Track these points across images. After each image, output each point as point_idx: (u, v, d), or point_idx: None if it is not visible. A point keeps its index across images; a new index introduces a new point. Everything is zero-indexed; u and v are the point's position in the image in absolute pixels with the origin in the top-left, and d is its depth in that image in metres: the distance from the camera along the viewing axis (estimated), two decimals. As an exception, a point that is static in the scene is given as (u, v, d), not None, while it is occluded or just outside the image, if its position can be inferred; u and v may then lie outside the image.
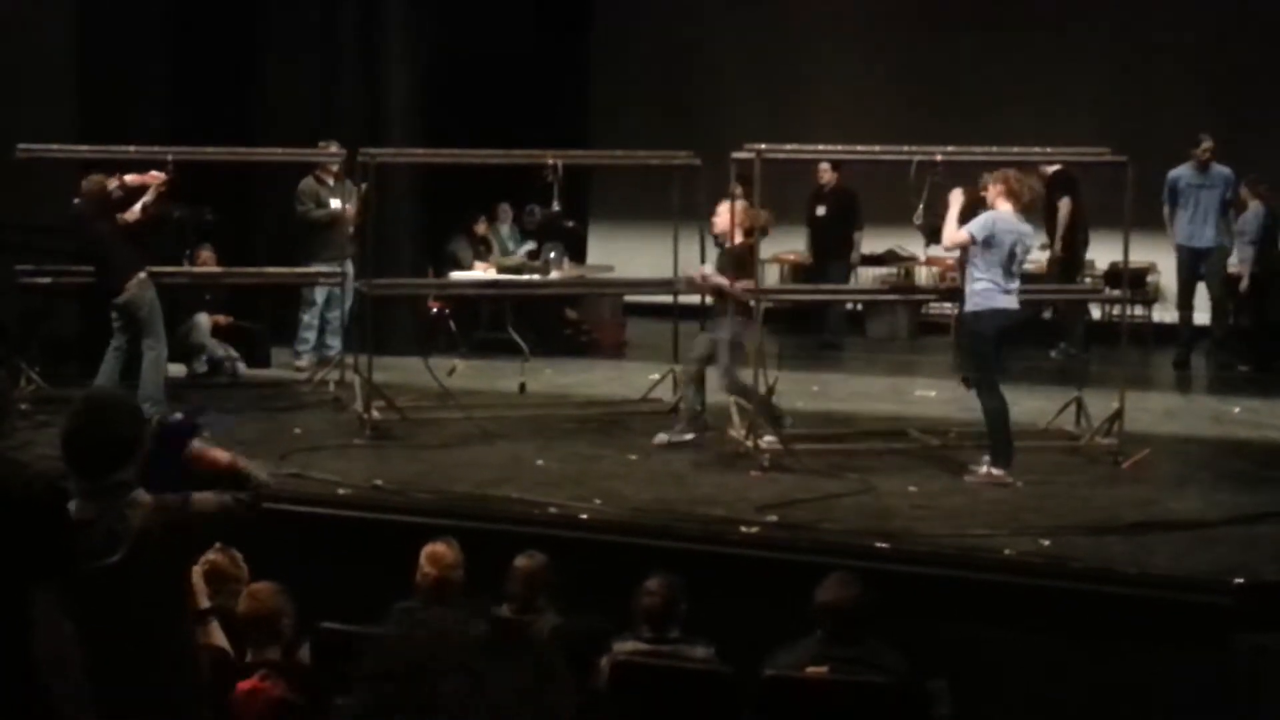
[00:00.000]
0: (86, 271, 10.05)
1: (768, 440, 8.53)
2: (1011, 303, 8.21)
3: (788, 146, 9.30)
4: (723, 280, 8.93)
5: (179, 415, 4.52)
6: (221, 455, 4.30)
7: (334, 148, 11.33)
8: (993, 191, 8.30)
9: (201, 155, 10.40)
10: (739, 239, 8.95)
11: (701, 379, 9.12)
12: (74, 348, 10.97)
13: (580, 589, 6.10)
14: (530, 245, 13.52)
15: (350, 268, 11.25)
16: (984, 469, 8.20)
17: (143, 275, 9.59)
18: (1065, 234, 12.33)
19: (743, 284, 8.89)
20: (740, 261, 8.94)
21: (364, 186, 10.56)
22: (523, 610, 5.92)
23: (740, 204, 9.06)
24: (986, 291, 8.13)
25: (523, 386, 10.47)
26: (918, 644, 5.85)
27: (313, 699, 5.08)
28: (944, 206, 8.47)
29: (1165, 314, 14.46)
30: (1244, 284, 12.43)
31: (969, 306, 8.23)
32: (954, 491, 8.01)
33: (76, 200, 9.68)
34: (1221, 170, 12.22)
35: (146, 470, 4.16)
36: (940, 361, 12.95)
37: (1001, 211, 8.20)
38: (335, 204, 11.47)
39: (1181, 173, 12.25)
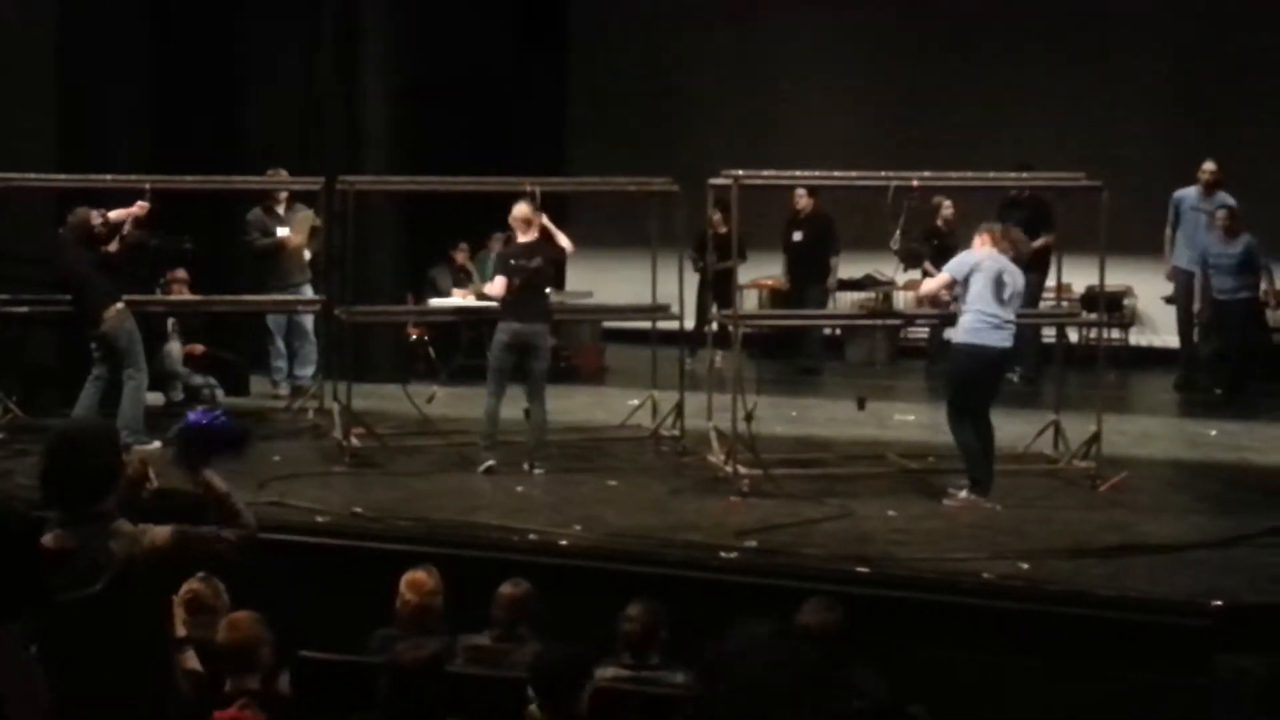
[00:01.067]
0: (65, 300, 10.02)
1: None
2: (1001, 340, 8.20)
3: (765, 173, 9.34)
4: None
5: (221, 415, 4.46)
6: (221, 486, 4.29)
7: (283, 175, 11.39)
8: (977, 242, 8.40)
9: (180, 184, 10.38)
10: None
11: None
12: (52, 376, 10.93)
13: (560, 616, 6.09)
14: None
15: (309, 293, 11.32)
16: (962, 493, 8.23)
17: (120, 305, 9.57)
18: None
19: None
20: None
21: (309, 214, 10.63)
22: (504, 638, 5.91)
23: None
24: (975, 327, 8.15)
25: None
26: (897, 668, 5.85)
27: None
28: (922, 233, 8.54)
29: (1142, 338, 14.55)
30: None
31: (955, 339, 8.27)
32: (933, 516, 8.03)
33: (60, 230, 9.66)
34: (1224, 196, 12.24)
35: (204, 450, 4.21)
36: (919, 386, 12.99)
37: (979, 251, 8.29)
38: (282, 232, 11.51)
39: (1186, 194, 12.30)
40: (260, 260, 11.61)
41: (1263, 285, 12.28)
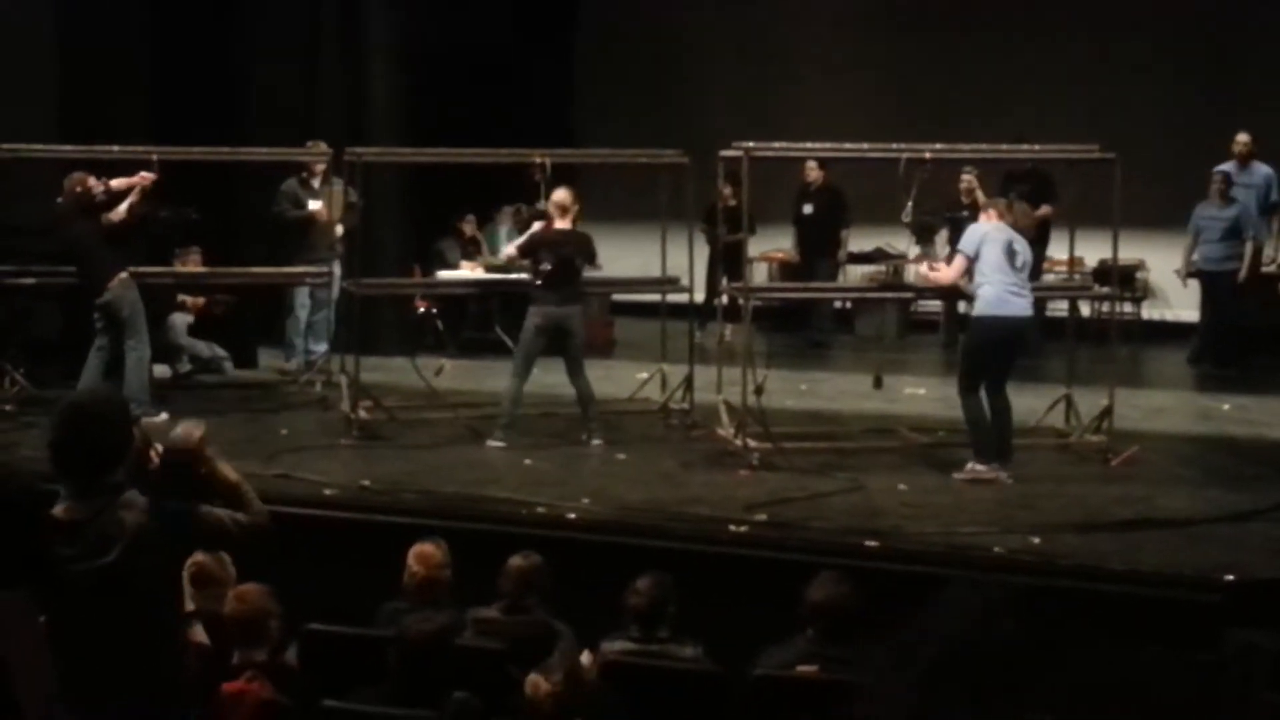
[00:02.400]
0: (69, 272, 10.01)
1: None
2: (1021, 309, 8.21)
3: (776, 145, 9.28)
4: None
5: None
6: (230, 474, 4.26)
7: (321, 147, 11.26)
8: (982, 217, 8.40)
9: (185, 155, 10.34)
10: None
11: None
12: (57, 349, 10.92)
13: (569, 589, 6.06)
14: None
15: (337, 269, 11.20)
16: (969, 465, 8.22)
17: (124, 275, 9.54)
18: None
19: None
20: None
21: (349, 191, 10.51)
22: (511, 610, 5.89)
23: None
24: (995, 297, 8.12)
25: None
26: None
27: (300, 700, 5.05)
28: (943, 205, 8.50)
29: (1154, 311, 14.49)
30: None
31: (974, 311, 8.24)
32: (943, 490, 8.00)
33: (59, 200, 9.62)
34: (1262, 168, 12.13)
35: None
36: (930, 360, 12.94)
37: (984, 223, 8.26)
38: (314, 205, 11.38)
39: (1226, 169, 12.18)
40: (288, 232, 11.49)
41: (1245, 255, 12.10)
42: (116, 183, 9.64)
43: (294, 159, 11.48)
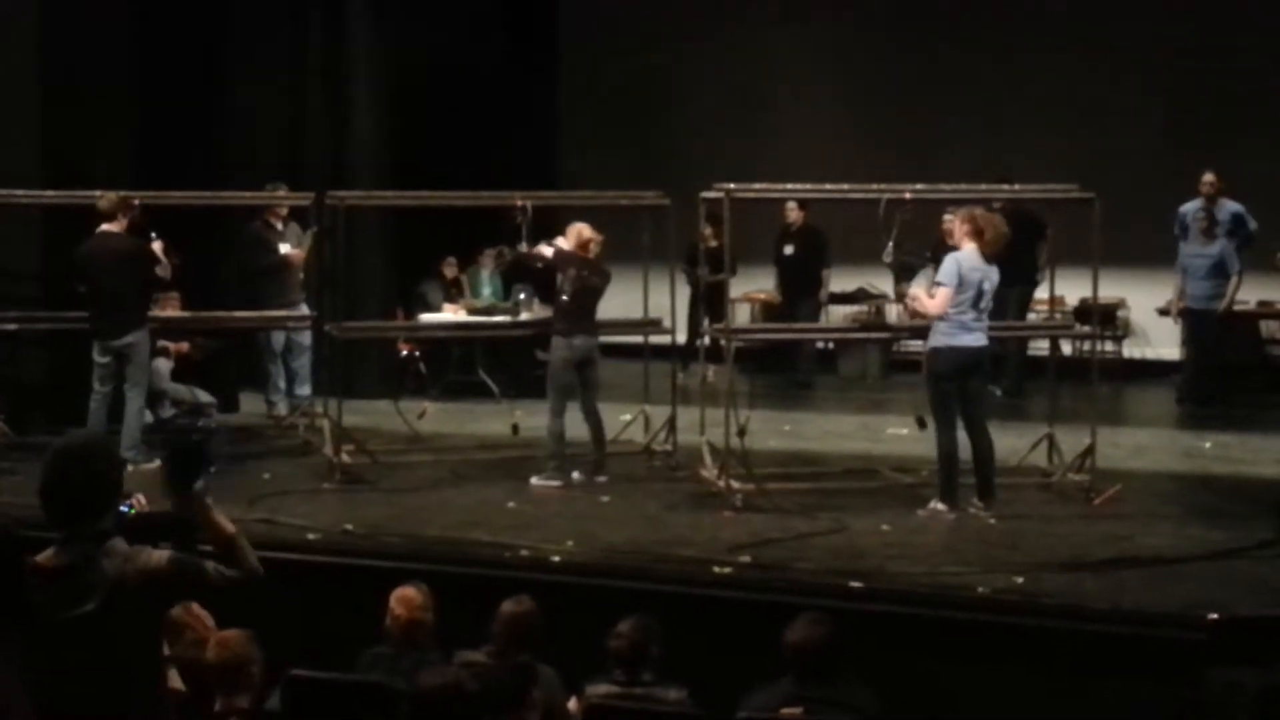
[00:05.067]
0: (53, 317, 9.99)
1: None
2: (976, 340, 8.29)
3: (756, 186, 9.32)
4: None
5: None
6: (227, 526, 4.23)
7: (282, 191, 11.28)
8: (959, 231, 8.41)
9: (167, 199, 10.33)
10: None
11: None
12: (40, 394, 10.89)
13: (553, 632, 6.04)
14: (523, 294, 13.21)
15: (305, 311, 11.23)
16: (932, 503, 8.29)
17: (146, 328, 9.75)
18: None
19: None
20: None
21: (312, 231, 10.53)
22: (501, 655, 5.85)
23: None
24: (949, 330, 8.21)
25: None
26: (892, 683, 5.82)
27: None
28: (930, 245, 8.53)
29: (1135, 349, 14.55)
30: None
31: (930, 344, 8.31)
32: (926, 530, 8.01)
33: (126, 245, 9.63)
34: (1230, 205, 12.19)
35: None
36: (911, 399, 12.94)
37: (966, 251, 8.31)
38: (284, 248, 11.39)
39: (1188, 208, 12.25)
40: (260, 277, 11.46)
41: (1229, 290, 12.15)
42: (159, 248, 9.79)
43: (272, 203, 11.45)
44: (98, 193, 10.05)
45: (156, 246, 9.75)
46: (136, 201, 9.74)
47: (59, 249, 11.03)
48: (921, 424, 8.56)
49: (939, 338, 8.28)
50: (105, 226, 9.66)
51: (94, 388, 9.70)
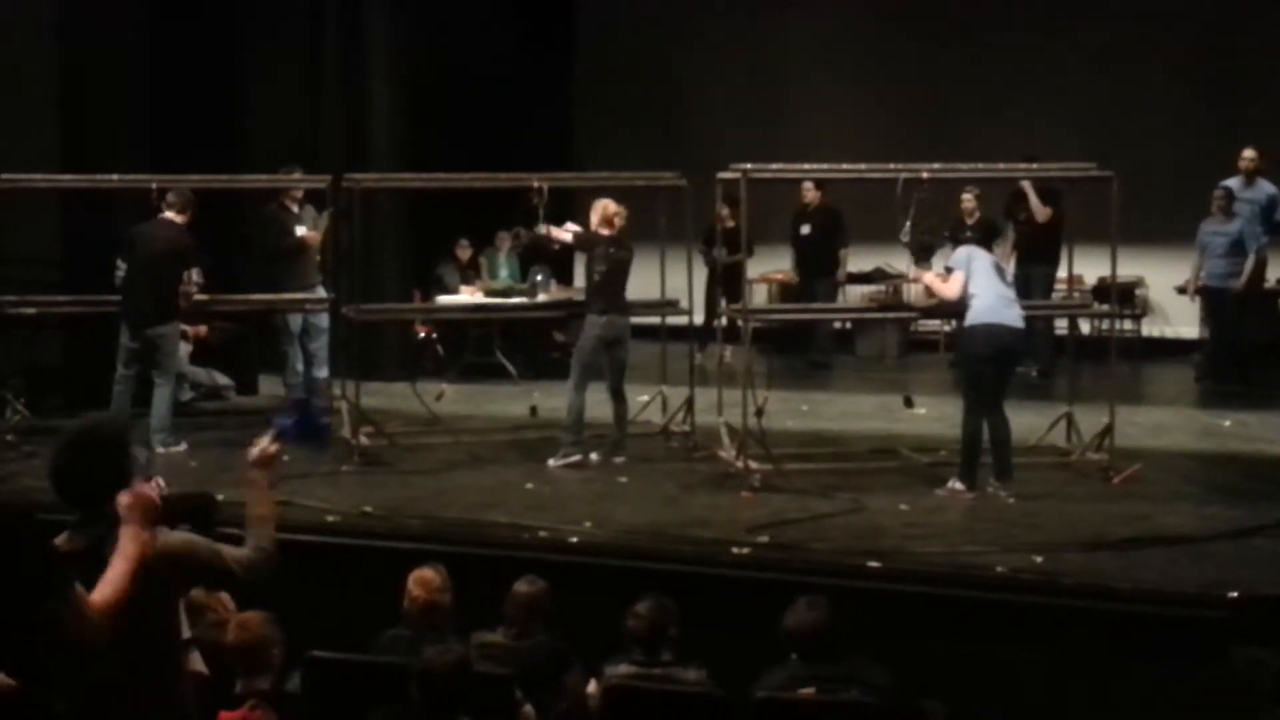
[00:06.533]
0: (70, 301, 10.01)
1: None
2: (1014, 318, 8.26)
3: (773, 166, 9.29)
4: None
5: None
6: (268, 508, 4.27)
7: (298, 174, 11.26)
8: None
9: (185, 183, 10.31)
10: None
11: None
12: (58, 378, 10.92)
13: (572, 613, 6.05)
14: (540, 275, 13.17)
15: (322, 294, 11.21)
16: (951, 483, 8.29)
17: (177, 321, 9.89)
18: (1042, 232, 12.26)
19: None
20: None
21: (329, 213, 10.52)
22: (518, 636, 5.87)
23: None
24: (987, 306, 8.19)
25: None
26: (910, 663, 5.81)
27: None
28: (950, 225, 8.57)
29: (1154, 328, 14.49)
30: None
31: (967, 321, 8.26)
32: (945, 509, 7.99)
33: (181, 239, 9.71)
34: (1267, 185, 12.11)
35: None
36: (930, 379, 12.93)
37: (969, 246, 8.48)
38: (301, 231, 11.36)
39: (1230, 184, 12.17)
40: (278, 261, 11.44)
41: (1245, 269, 12.07)
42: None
43: (288, 186, 11.41)
44: (114, 176, 10.06)
45: (195, 272, 9.91)
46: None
47: (76, 234, 11.09)
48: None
49: (977, 315, 8.21)
50: (167, 216, 9.70)
51: (118, 370, 9.72)
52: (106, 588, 3.87)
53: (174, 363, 9.94)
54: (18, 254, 10.73)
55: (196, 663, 5.03)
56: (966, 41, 15.17)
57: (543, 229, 9.52)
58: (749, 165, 8.75)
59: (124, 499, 3.94)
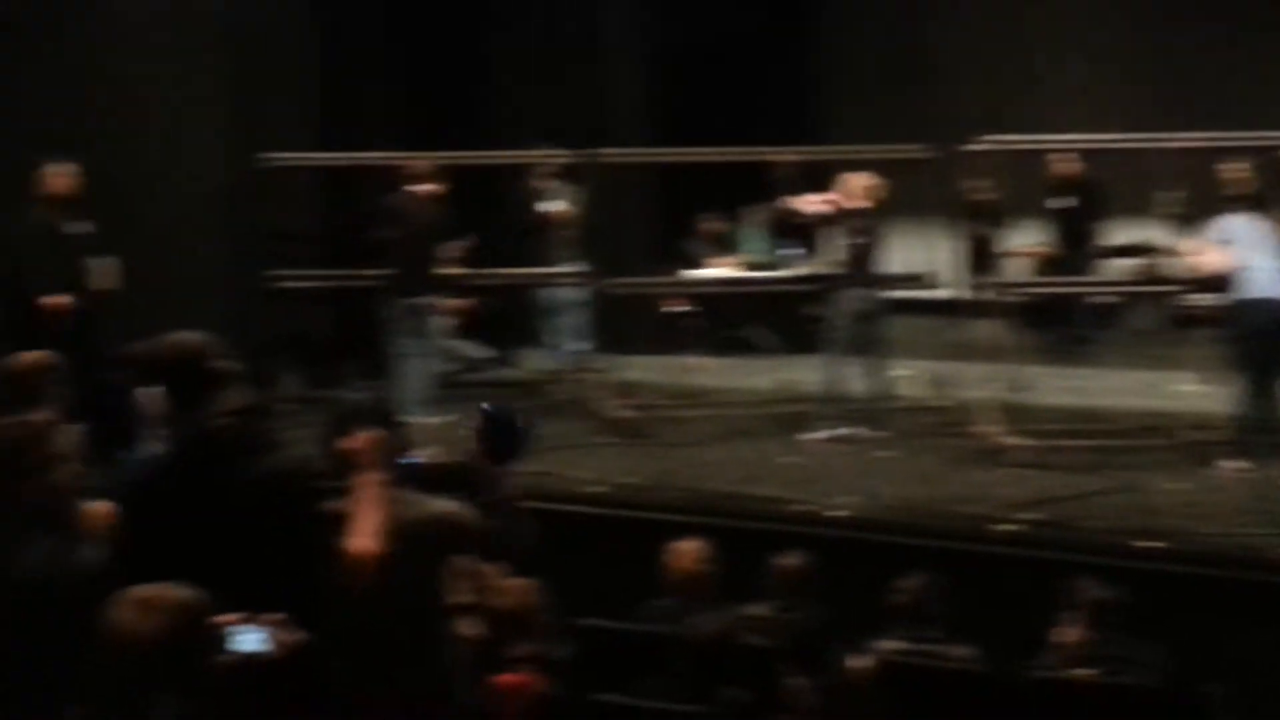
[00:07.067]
0: (342, 275, 10.30)
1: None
2: None
3: (1024, 137, 9.04)
4: None
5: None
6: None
7: (547, 151, 11.39)
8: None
9: (434, 159, 10.49)
10: None
11: None
12: (328, 351, 11.25)
13: (833, 587, 6.00)
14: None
15: (575, 269, 11.31)
16: (1229, 461, 7.98)
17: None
18: None
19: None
20: None
21: (578, 189, 10.62)
22: (782, 610, 5.85)
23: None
24: (1261, 281, 7.87)
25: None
26: (1190, 646, 5.62)
27: (571, 693, 5.10)
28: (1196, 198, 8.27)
29: None
30: None
31: (1239, 296, 7.95)
32: (1225, 489, 7.70)
33: (436, 212, 9.96)
34: None
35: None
36: (1198, 355, 12.45)
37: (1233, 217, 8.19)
38: (555, 206, 11.50)
39: None
40: (534, 236, 11.62)
41: None
42: None
43: (534, 161, 11.53)
44: (376, 154, 10.32)
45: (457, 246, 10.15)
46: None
47: (336, 210, 11.44)
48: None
49: (1250, 289, 7.95)
50: (422, 188, 9.88)
51: (385, 343, 9.96)
52: (362, 539, 3.97)
53: (431, 335, 10.05)
54: (283, 230, 11.07)
55: (469, 627, 5.12)
56: (1222, 11, 14.47)
57: (790, 203, 9.46)
58: (999, 136, 8.54)
59: (357, 443, 4.00)
